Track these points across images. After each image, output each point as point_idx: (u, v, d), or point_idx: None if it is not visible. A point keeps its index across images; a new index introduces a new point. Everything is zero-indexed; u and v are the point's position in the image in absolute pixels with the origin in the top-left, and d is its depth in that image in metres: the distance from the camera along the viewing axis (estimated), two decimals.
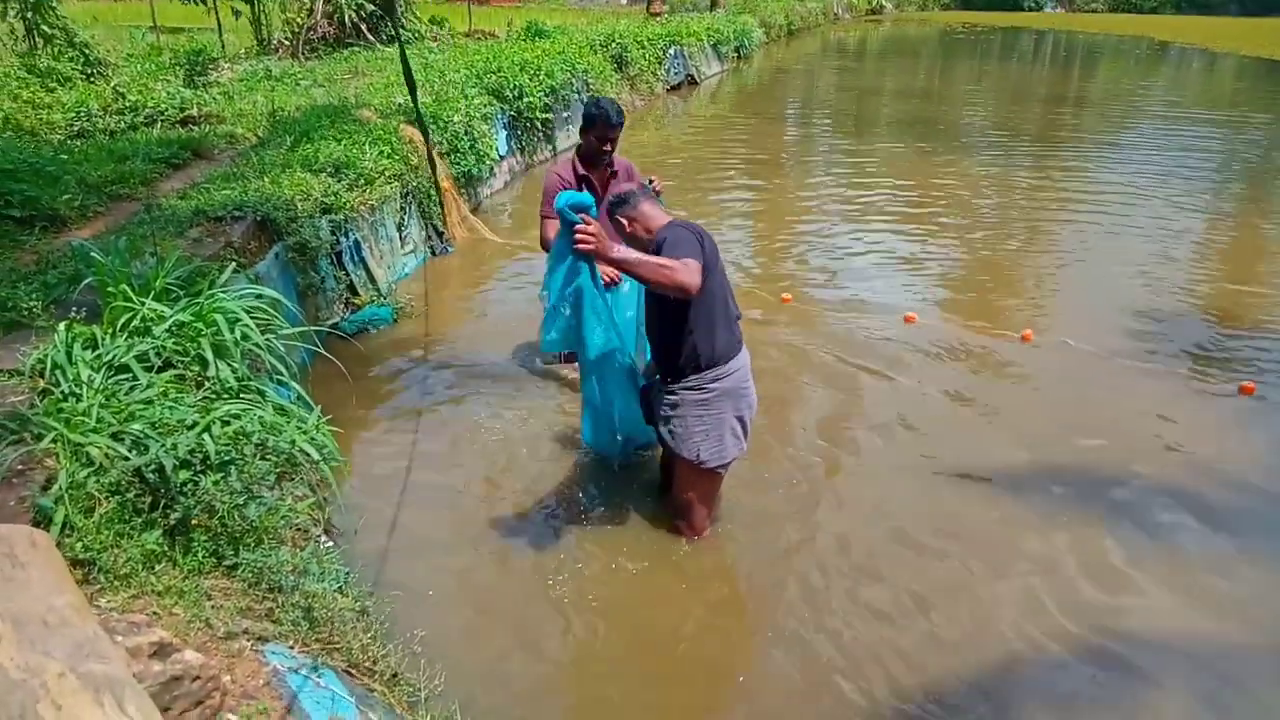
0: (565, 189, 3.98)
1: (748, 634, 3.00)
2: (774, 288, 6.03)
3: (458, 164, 7.42)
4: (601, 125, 3.98)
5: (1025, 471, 3.93)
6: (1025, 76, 20.30)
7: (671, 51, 15.57)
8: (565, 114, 10.46)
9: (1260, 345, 5.29)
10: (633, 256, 2.75)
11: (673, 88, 15.46)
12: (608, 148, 4.04)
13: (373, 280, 5.63)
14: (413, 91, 5.88)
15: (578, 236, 2.68)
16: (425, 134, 6.26)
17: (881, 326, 5.45)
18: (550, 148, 10.02)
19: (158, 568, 2.29)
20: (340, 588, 2.79)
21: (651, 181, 3.96)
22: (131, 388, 2.76)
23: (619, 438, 3.59)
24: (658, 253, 2.83)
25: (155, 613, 2.14)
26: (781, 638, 2.93)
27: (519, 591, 3.13)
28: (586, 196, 2.91)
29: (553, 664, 2.80)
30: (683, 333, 3.02)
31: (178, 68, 8.86)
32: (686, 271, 2.72)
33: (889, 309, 5.72)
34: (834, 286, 6.18)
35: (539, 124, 9.61)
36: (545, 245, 4.06)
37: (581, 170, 4.12)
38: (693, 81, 16.22)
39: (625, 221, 3.13)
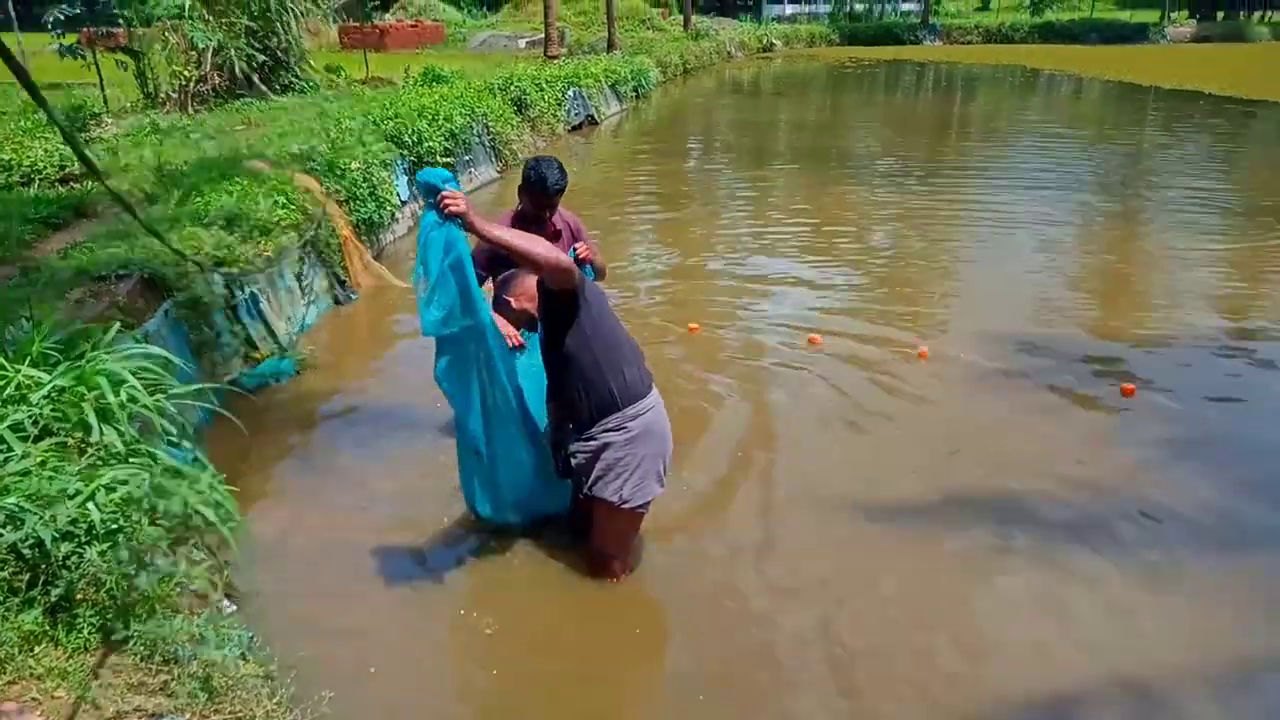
0: (499, 252, 3.83)
1: (675, 677, 3.00)
2: (681, 316, 6.12)
3: (357, 211, 7.31)
4: (538, 193, 3.72)
5: (922, 494, 4.06)
6: (910, 106, 21.30)
7: (571, 93, 15.77)
8: (467, 158, 10.45)
9: (1135, 350, 5.63)
10: (501, 229, 2.80)
11: (574, 128, 15.63)
12: (544, 213, 3.81)
13: (272, 333, 5.47)
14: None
15: (445, 200, 2.70)
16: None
17: (786, 350, 5.59)
18: None
19: (38, 649, 2.16)
20: (243, 654, 2.68)
21: (577, 248, 3.70)
22: (5, 459, 2.61)
23: (518, 509, 3.43)
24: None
25: (35, 698, 2.01)
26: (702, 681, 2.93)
27: (431, 643, 3.05)
28: (443, 171, 2.84)
29: (471, 714, 2.73)
30: (592, 375, 2.99)
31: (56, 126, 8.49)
32: (556, 252, 2.82)
33: (793, 332, 5.87)
34: (740, 313, 6.31)
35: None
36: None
37: (518, 225, 3.79)
38: (593, 121, 16.44)
39: (510, 300, 3.22)
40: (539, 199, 3.74)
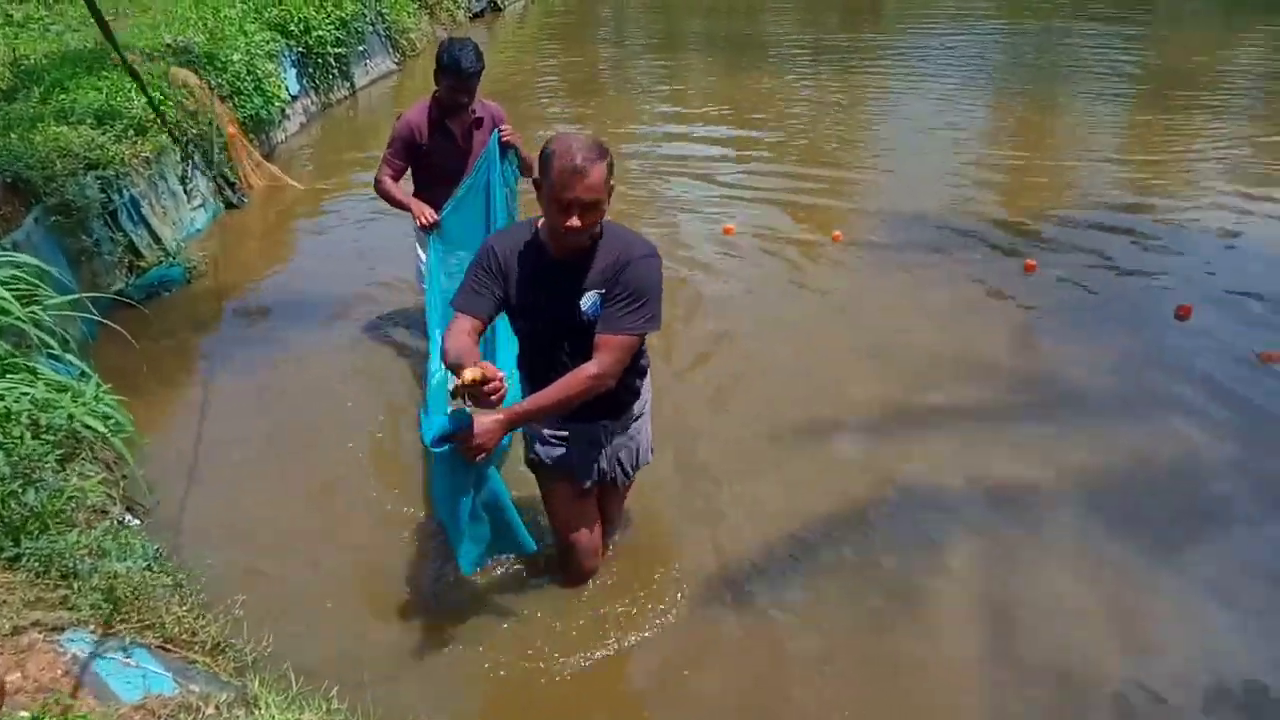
0: (417, 139, 3.65)
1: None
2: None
3: (242, 107, 6.83)
4: (452, 75, 3.51)
5: (835, 380, 4.15)
6: None
7: None
8: (361, 48, 9.82)
9: (1040, 226, 5.78)
10: (537, 403, 2.23)
11: (476, 15, 14.82)
12: (462, 98, 3.60)
13: (158, 240, 5.15)
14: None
15: (474, 446, 2.15)
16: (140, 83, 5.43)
17: (702, 240, 5.56)
18: (348, 85, 9.41)
19: None
20: (149, 565, 2.60)
21: (501, 130, 3.62)
22: None
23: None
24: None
25: None
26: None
27: (343, 547, 3.01)
28: (457, 419, 2.16)
29: (385, 612, 2.73)
30: (638, 362, 2.51)
31: None
32: (604, 366, 2.21)
33: (708, 222, 5.83)
34: (656, 204, 6.22)
35: (332, 60, 8.99)
36: (382, 192, 3.71)
37: (437, 116, 3.68)
38: (496, 8, 15.60)
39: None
40: (454, 83, 3.55)
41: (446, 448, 2.16)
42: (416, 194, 3.79)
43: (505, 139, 3.61)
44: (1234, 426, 3.62)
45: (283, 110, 7.68)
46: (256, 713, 1.92)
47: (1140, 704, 2.39)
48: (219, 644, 2.31)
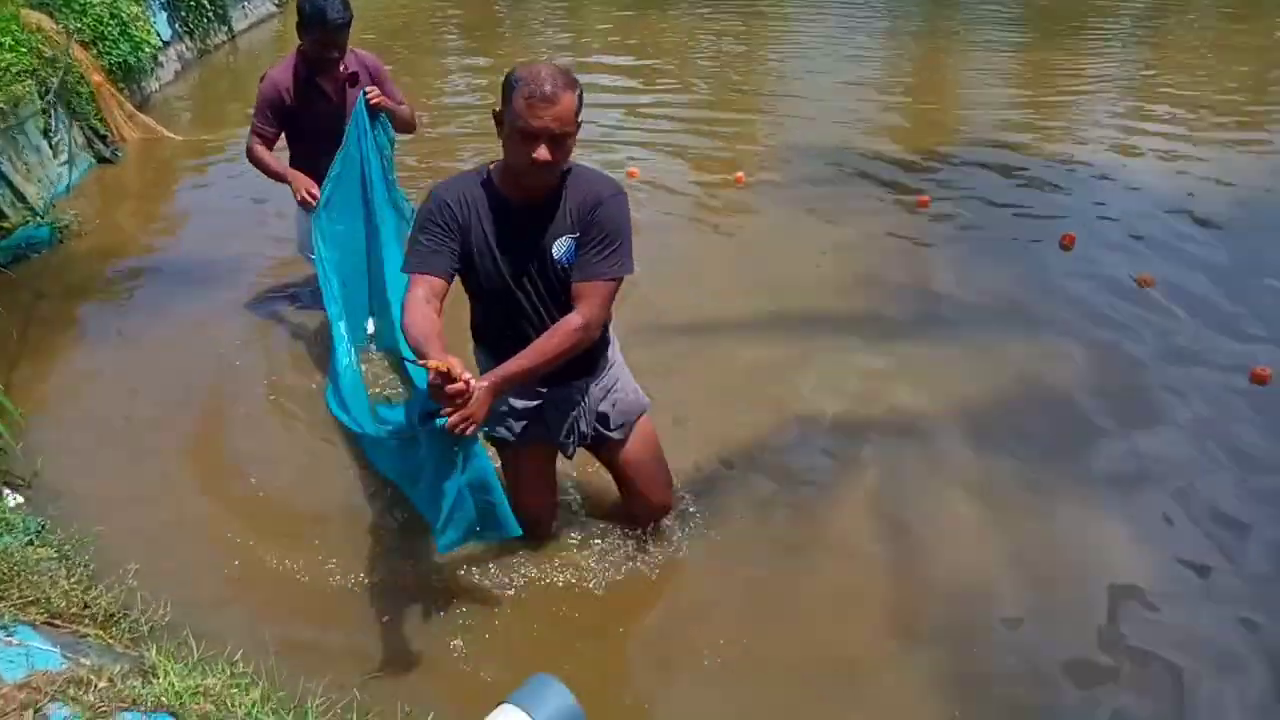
0: (285, 100, 3.27)
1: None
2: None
3: (108, 54, 6.36)
4: (317, 28, 3.13)
5: (744, 315, 4.20)
6: None
7: None
8: None
9: (933, 162, 5.93)
10: (516, 367, 2.01)
11: None
12: (330, 52, 3.22)
13: (22, 198, 4.78)
14: None
15: (457, 421, 1.90)
16: None
17: None
18: (225, 29, 8.87)
19: None
20: (31, 540, 2.46)
21: (368, 93, 3.23)
22: None
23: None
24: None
25: None
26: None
27: (241, 514, 2.90)
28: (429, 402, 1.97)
29: (289, 574, 2.64)
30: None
31: None
32: (573, 326, 2.04)
33: (612, 165, 5.76)
34: None
35: (206, 2, 8.44)
36: (254, 161, 3.38)
37: (305, 73, 3.29)
38: None
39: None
40: (320, 36, 3.16)
41: (437, 423, 1.92)
42: (294, 165, 3.41)
43: (372, 101, 3.23)
44: (1110, 345, 3.82)
45: (154, 57, 7.18)
46: (155, 682, 1.84)
47: (1032, 611, 2.53)
48: (112, 615, 2.20)
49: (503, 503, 2.18)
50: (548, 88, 1.90)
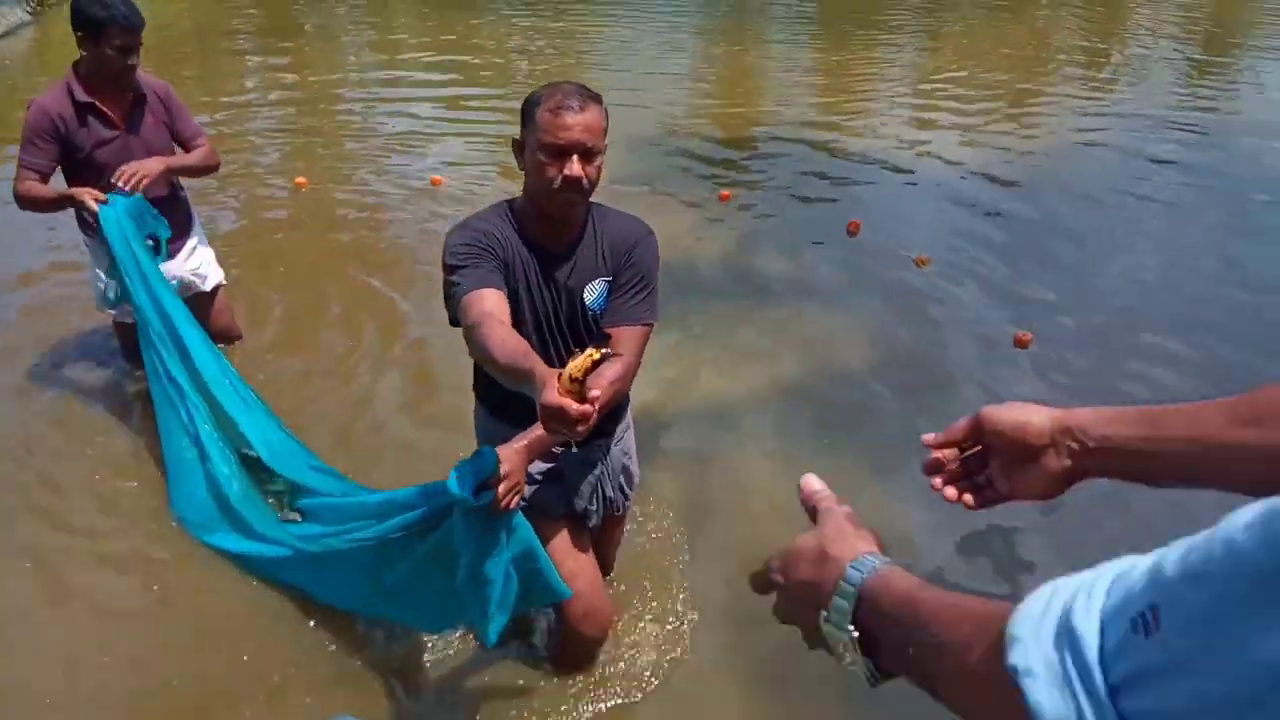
0: (62, 129, 2.83)
1: None
2: (291, 172, 5.60)
3: None
4: (114, 31, 2.74)
5: None
6: None
7: None
8: None
9: (740, 159, 6.16)
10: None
11: None
12: (133, 59, 2.82)
13: None
14: None
15: (504, 497, 1.73)
16: None
17: (406, 196, 5.38)
18: None
19: None
20: None
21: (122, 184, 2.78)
22: None
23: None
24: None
25: None
26: None
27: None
28: (483, 460, 1.72)
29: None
30: None
31: None
32: (626, 367, 1.83)
33: (414, 177, 5.65)
34: (363, 165, 5.89)
35: None
36: (28, 199, 2.87)
37: (86, 97, 2.85)
38: None
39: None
40: (118, 40, 2.76)
41: (487, 497, 1.70)
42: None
43: (129, 187, 2.73)
44: (890, 321, 4.08)
45: None
46: None
47: None
48: None
49: (550, 565, 1.92)
50: (574, 99, 1.74)
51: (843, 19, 10.63)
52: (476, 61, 8.39)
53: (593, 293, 1.90)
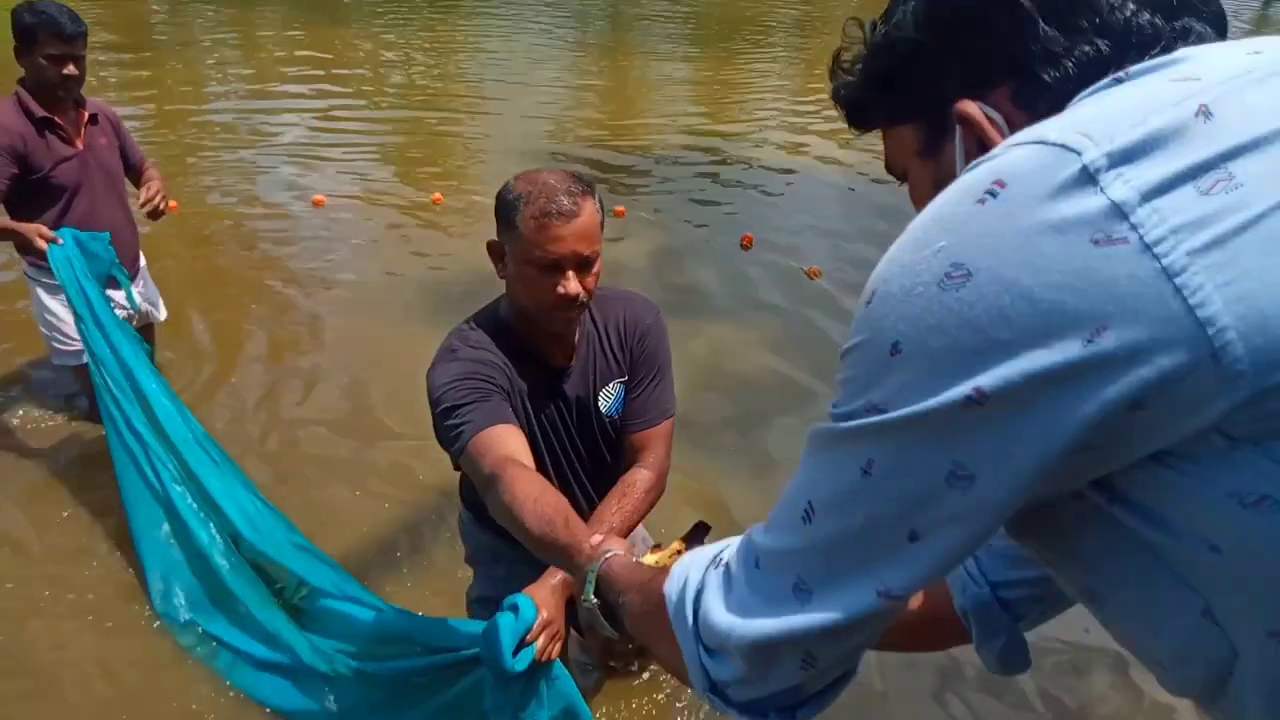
0: (19, 149, 2.60)
1: None
2: (171, 192, 5.26)
3: None
4: (55, 40, 2.59)
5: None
6: None
7: None
8: None
9: (629, 175, 6.23)
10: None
11: None
12: (70, 69, 2.65)
13: None
14: None
15: (543, 654, 1.44)
16: None
17: (290, 216, 5.19)
18: None
19: None
20: None
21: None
22: None
23: None
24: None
25: None
26: None
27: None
28: (524, 616, 1.40)
29: None
30: None
31: None
32: (657, 471, 1.65)
33: (296, 195, 5.45)
34: (238, 181, 5.65)
35: None
36: None
37: (41, 112, 2.68)
38: None
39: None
40: (58, 49, 2.61)
41: (528, 656, 1.40)
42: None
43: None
44: (783, 333, 4.21)
45: None
46: None
47: None
48: None
49: (588, 714, 1.60)
50: (564, 200, 1.43)
51: (725, 33, 10.94)
52: (348, 76, 8.17)
53: (608, 399, 1.70)
